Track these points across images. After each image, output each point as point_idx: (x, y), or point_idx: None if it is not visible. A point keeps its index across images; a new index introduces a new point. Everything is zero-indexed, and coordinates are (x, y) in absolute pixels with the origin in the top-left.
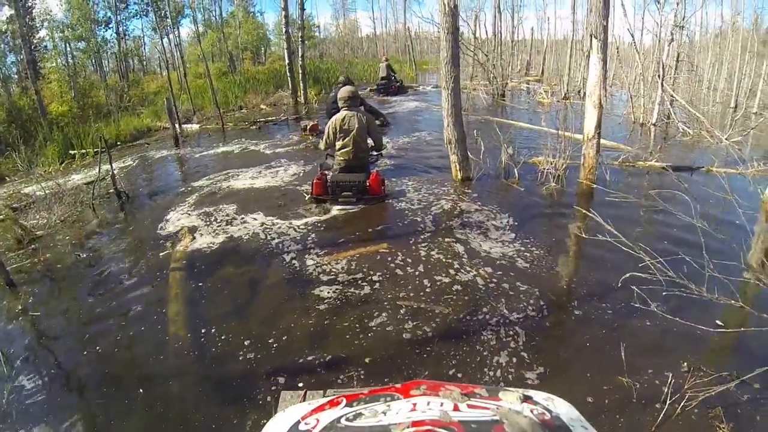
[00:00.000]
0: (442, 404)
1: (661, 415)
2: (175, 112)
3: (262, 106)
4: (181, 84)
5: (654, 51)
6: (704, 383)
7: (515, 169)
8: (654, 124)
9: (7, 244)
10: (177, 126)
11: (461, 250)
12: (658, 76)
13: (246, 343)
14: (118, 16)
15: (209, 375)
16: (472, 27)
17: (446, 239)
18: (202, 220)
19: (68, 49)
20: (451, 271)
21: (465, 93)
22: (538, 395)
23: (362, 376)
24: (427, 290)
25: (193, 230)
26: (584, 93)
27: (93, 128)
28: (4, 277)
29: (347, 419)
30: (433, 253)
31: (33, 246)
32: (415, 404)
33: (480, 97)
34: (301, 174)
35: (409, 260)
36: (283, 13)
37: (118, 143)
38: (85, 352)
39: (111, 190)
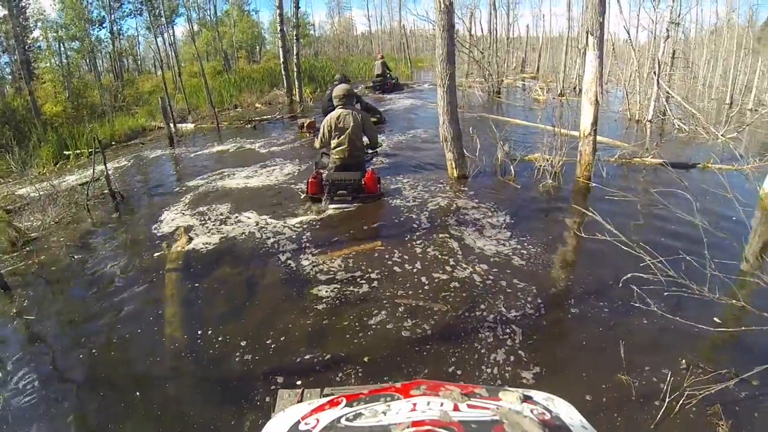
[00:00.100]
0: (442, 404)
1: (660, 412)
2: (170, 111)
3: (257, 105)
4: (176, 83)
5: (650, 48)
6: (703, 381)
7: (511, 167)
8: (650, 121)
9: (1, 246)
10: (172, 125)
11: (457, 247)
12: (654, 72)
13: (243, 343)
14: (112, 16)
15: (206, 376)
16: (468, 24)
17: (442, 236)
18: (198, 219)
19: (62, 49)
20: (448, 268)
21: (461, 90)
22: (538, 395)
23: (361, 375)
24: (425, 288)
25: (188, 230)
26: (580, 90)
27: (87, 128)
28: None
29: (347, 419)
30: (429, 250)
31: (27, 248)
32: (415, 404)
33: (476, 94)
34: (297, 173)
35: (406, 257)
36: (278, 11)
37: (113, 143)
38: (81, 355)
39: (106, 191)
